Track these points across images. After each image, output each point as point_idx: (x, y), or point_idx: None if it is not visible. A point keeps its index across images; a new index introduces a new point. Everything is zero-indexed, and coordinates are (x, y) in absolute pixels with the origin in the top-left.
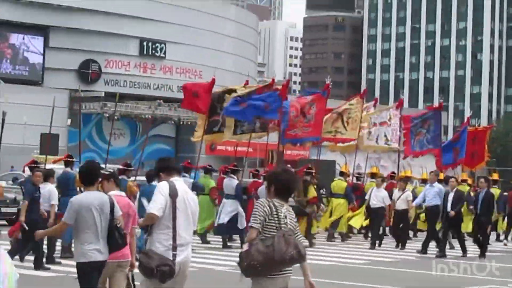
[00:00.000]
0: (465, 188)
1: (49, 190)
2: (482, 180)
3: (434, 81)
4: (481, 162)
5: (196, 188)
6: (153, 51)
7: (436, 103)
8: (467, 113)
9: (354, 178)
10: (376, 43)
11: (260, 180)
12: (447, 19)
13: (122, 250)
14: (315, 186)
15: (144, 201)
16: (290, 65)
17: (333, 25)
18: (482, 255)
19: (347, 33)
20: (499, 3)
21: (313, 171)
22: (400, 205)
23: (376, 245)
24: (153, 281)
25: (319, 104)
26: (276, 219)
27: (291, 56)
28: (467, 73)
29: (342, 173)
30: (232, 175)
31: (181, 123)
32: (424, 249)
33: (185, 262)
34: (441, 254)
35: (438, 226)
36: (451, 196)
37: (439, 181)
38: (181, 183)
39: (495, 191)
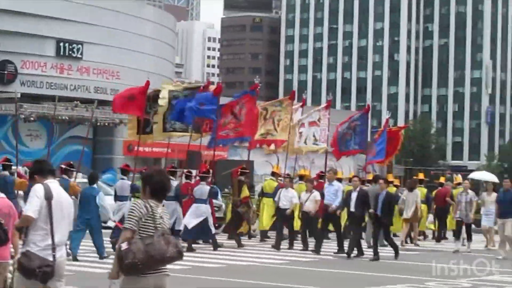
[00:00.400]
0: (392, 189)
1: None
2: (381, 181)
3: (352, 81)
4: (388, 158)
5: (133, 189)
6: (70, 52)
7: (353, 103)
8: (384, 113)
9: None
10: (294, 43)
11: (193, 182)
12: (364, 20)
13: (1, 251)
14: (248, 186)
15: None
16: (208, 65)
17: (250, 26)
18: (396, 255)
19: (264, 34)
20: (416, 4)
21: (248, 171)
22: (308, 206)
23: (289, 245)
24: (33, 282)
25: (248, 104)
26: (152, 219)
27: (208, 57)
28: (384, 74)
29: (273, 174)
30: (171, 177)
31: (98, 124)
32: (340, 249)
33: (61, 262)
34: (375, 258)
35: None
36: (354, 196)
37: (369, 182)
38: (56, 185)
39: (421, 190)
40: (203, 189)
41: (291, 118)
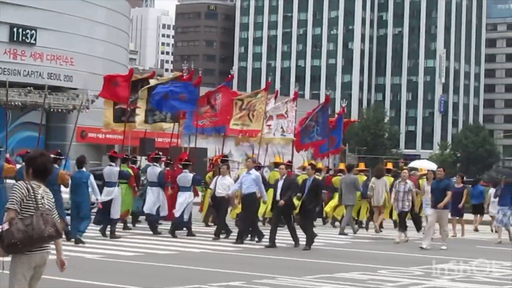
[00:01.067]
0: (362, 178)
1: None
2: (309, 167)
3: (306, 69)
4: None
5: (123, 176)
6: (23, 38)
7: (307, 91)
8: (338, 101)
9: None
10: (248, 31)
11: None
12: (319, 8)
13: None
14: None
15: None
16: (162, 52)
17: (205, 13)
18: (308, 244)
19: (219, 21)
20: None
21: (228, 159)
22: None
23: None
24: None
25: (224, 95)
26: (33, 199)
27: (163, 44)
28: (338, 62)
29: (276, 164)
30: (155, 164)
31: (51, 110)
32: (271, 242)
33: None
34: (271, 244)
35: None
36: (280, 184)
37: (341, 171)
38: None
39: (389, 179)
40: (187, 177)
41: (265, 109)
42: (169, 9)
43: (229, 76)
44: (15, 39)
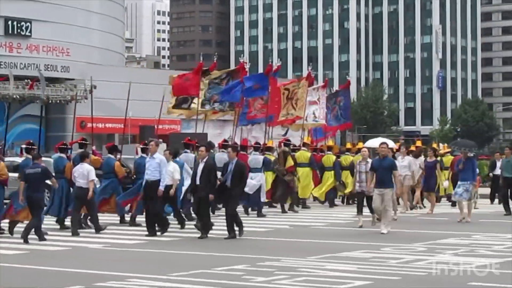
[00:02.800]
0: (358, 158)
1: (86, 169)
2: (230, 149)
3: (303, 50)
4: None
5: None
6: (19, 30)
7: (304, 72)
8: (336, 81)
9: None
10: (244, 14)
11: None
12: None
13: None
14: (292, 156)
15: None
16: (158, 39)
17: None
18: (240, 232)
19: (214, 6)
20: None
21: (291, 142)
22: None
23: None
24: None
25: (272, 85)
26: None
27: (159, 31)
28: (335, 42)
29: (305, 144)
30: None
31: (50, 102)
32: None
33: None
34: (203, 236)
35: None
36: (200, 168)
37: (349, 150)
38: None
39: (357, 157)
40: (257, 158)
41: (306, 97)
42: None
43: (276, 66)
44: (10, 32)
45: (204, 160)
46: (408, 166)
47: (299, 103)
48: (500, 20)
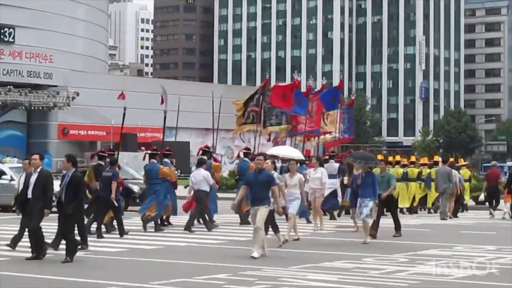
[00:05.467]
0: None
1: (203, 174)
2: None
3: (286, 60)
4: None
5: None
6: (2, 36)
7: (288, 82)
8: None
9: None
10: (228, 23)
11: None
12: None
13: None
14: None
15: None
16: (142, 47)
17: (183, 6)
18: (70, 255)
19: (198, 14)
20: None
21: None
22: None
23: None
24: None
25: (317, 103)
26: None
27: (142, 39)
28: (318, 52)
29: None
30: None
31: (32, 108)
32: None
33: None
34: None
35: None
36: (33, 178)
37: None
38: None
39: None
40: (333, 165)
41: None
42: (147, 4)
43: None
44: None
45: (38, 170)
46: (320, 178)
47: (330, 117)
48: (484, 32)
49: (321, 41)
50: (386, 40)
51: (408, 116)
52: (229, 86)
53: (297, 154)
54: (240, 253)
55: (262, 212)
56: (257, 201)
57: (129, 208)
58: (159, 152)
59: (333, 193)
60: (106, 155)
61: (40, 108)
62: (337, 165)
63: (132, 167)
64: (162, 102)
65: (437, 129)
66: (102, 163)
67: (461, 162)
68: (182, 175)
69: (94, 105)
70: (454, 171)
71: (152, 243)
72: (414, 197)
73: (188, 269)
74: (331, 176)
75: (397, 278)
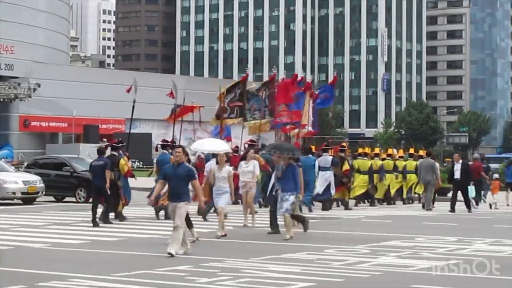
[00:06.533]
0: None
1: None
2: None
3: (248, 51)
4: None
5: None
6: None
7: (250, 74)
8: None
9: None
10: (190, 15)
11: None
12: None
13: None
14: (348, 161)
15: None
16: (104, 38)
17: None
18: None
19: (160, 6)
20: None
21: (346, 148)
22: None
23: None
24: None
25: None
26: None
27: (104, 30)
28: (281, 43)
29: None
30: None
31: None
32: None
33: None
34: None
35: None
36: None
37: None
38: None
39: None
40: (327, 159)
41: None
42: None
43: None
44: None
45: None
46: (253, 172)
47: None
48: (445, 24)
49: (283, 33)
50: (348, 32)
51: (370, 108)
52: (191, 77)
53: (222, 147)
54: (202, 245)
55: (181, 212)
56: (176, 197)
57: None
58: (170, 144)
59: (328, 186)
60: (119, 146)
61: (1, 99)
62: (330, 158)
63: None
64: (129, 91)
65: (399, 121)
66: (116, 153)
67: (422, 153)
68: (144, 166)
69: (55, 97)
70: (436, 164)
71: (115, 235)
72: (389, 188)
73: (150, 261)
74: (324, 169)
75: (359, 269)
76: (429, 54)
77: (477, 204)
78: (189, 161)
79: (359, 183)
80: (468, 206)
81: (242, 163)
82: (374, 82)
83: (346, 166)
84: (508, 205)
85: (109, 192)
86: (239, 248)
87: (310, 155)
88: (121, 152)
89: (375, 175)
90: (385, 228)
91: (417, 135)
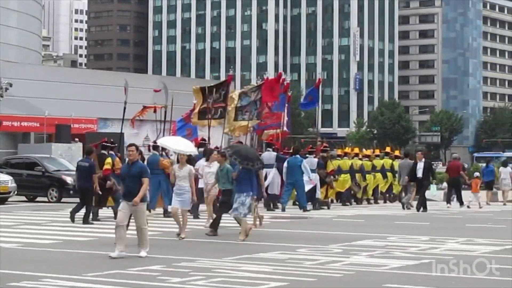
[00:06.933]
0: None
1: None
2: None
3: (221, 51)
4: None
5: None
6: None
7: (222, 73)
8: (254, 83)
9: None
10: (162, 14)
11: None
12: None
13: None
14: (332, 161)
15: None
16: (76, 38)
17: None
18: None
19: (132, 5)
20: None
21: (328, 149)
22: None
23: None
24: None
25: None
26: None
27: (76, 29)
28: (253, 43)
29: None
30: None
31: None
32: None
33: None
34: None
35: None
36: None
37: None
38: None
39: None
40: (312, 160)
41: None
42: None
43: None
44: None
45: None
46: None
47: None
48: (418, 24)
49: (255, 33)
50: (320, 32)
51: (342, 108)
52: (163, 77)
53: (189, 148)
54: (174, 244)
55: (142, 213)
56: (130, 196)
57: (62, 200)
58: (158, 145)
59: (314, 188)
60: (109, 145)
61: None
62: (316, 160)
63: (66, 158)
64: (125, 92)
65: (371, 120)
66: (105, 152)
67: (397, 152)
68: None
69: (27, 96)
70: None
71: (86, 234)
72: (366, 188)
73: (123, 260)
74: (310, 171)
75: (331, 268)
76: (401, 53)
77: (448, 202)
78: (143, 159)
79: (340, 182)
80: (461, 202)
81: (204, 163)
82: (347, 82)
83: (330, 167)
84: (488, 204)
85: (100, 193)
86: (212, 248)
87: (298, 155)
88: (111, 152)
89: (357, 175)
90: (358, 228)
91: (389, 135)
